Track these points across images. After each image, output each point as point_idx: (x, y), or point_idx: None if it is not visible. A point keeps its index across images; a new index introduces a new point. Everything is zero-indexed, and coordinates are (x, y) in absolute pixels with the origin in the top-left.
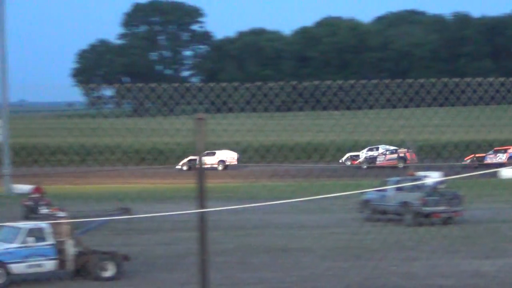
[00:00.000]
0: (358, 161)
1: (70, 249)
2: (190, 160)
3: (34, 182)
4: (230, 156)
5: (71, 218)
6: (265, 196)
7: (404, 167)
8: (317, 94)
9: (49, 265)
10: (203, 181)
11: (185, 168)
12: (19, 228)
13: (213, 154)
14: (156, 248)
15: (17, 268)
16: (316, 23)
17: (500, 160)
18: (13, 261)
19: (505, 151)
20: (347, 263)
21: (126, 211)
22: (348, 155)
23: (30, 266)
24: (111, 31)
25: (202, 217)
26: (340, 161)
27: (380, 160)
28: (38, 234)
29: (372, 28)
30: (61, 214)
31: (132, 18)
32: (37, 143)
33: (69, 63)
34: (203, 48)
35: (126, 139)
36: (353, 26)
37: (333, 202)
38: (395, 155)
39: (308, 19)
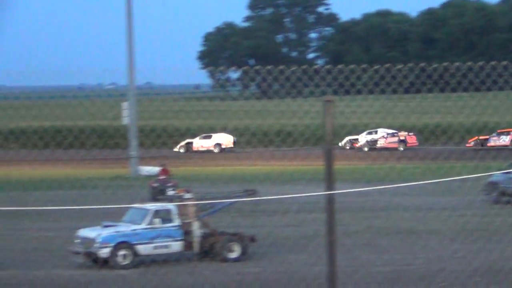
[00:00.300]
0: (359, 144)
1: (196, 230)
2: (187, 142)
3: (161, 164)
4: (226, 140)
5: (197, 200)
6: (393, 178)
7: (404, 149)
8: (446, 76)
9: (175, 246)
10: (331, 163)
11: (182, 150)
12: (146, 210)
13: (210, 137)
14: (283, 229)
15: (144, 249)
16: (442, 5)
17: (503, 142)
18: (140, 242)
19: (508, 133)
20: (476, 245)
21: (252, 193)
22: (347, 138)
23: (157, 247)
24: (237, 13)
25: (330, 199)
26: (340, 144)
27: (381, 143)
28: (164, 216)
29: (499, 9)
30: (188, 195)
31: (258, 0)
32: (166, 125)
33: (195, 45)
34: (328, 30)
35: (254, 121)
36: (479, 7)
37: (462, 184)
38: (395, 138)
39: (435, 1)
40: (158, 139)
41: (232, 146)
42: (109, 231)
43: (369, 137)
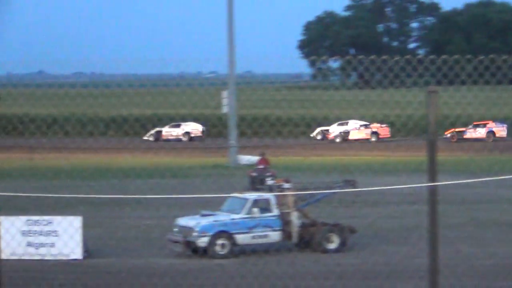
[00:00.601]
0: (332, 136)
1: (295, 220)
2: (157, 131)
3: (260, 154)
4: (195, 128)
5: (297, 190)
6: (498, 170)
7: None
8: None
9: (274, 236)
10: (434, 154)
11: (151, 139)
12: (245, 199)
13: (178, 126)
14: (384, 221)
15: (243, 238)
16: None
17: (479, 135)
18: (239, 231)
19: (484, 125)
20: None
21: (352, 183)
22: (319, 129)
23: (255, 237)
24: (338, 2)
25: (432, 191)
26: (312, 135)
27: (353, 135)
28: (263, 205)
29: None
30: (286, 185)
31: None
32: (267, 115)
33: (296, 34)
34: (430, 20)
35: (356, 111)
36: None
37: None
38: (368, 130)
39: None
40: (260, 128)
41: (201, 135)
42: (208, 220)
43: (341, 128)
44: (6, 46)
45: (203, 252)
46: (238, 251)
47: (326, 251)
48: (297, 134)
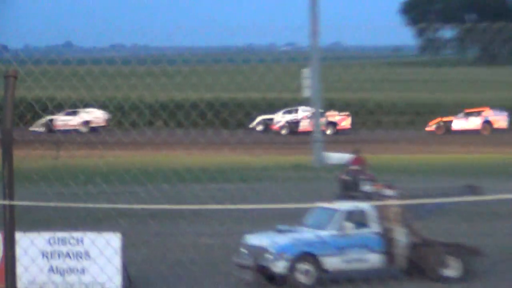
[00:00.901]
0: (277, 126)
1: (402, 239)
2: (49, 120)
3: (354, 151)
4: (96, 117)
5: (402, 199)
6: None
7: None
8: None
9: (373, 259)
10: None
11: (42, 129)
12: (335, 210)
13: (75, 113)
14: None
15: (332, 263)
16: None
17: (472, 126)
18: (327, 253)
19: (478, 113)
20: None
21: (476, 189)
22: (260, 118)
23: (349, 261)
24: None
25: None
26: (250, 126)
27: (304, 125)
28: (359, 219)
29: None
30: (389, 192)
31: None
32: (362, 99)
33: None
34: None
35: (480, 94)
36: None
37: None
38: (323, 120)
39: None
40: (355, 117)
41: (105, 124)
42: (287, 238)
43: (288, 117)
44: (24, 13)
45: (281, 281)
46: (327, 279)
47: (442, 279)
48: (403, 124)
